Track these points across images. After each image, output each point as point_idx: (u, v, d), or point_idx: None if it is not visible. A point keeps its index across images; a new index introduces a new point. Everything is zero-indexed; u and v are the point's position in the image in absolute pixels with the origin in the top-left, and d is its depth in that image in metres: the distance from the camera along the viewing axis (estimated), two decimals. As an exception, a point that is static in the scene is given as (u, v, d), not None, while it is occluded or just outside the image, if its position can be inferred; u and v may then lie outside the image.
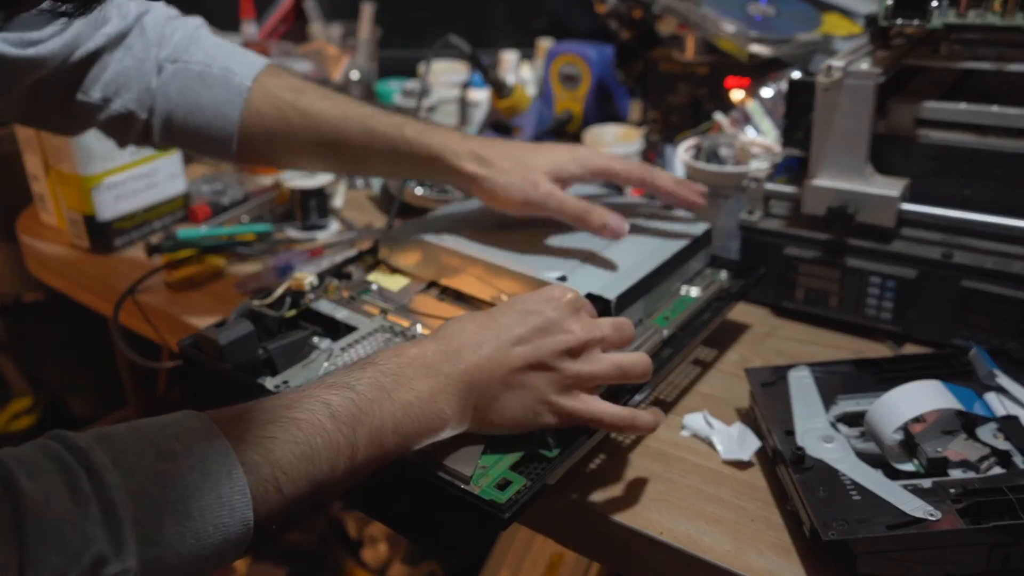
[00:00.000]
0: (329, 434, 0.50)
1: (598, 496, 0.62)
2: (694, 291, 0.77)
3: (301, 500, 0.48)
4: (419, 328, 0.71)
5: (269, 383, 0.64)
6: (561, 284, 0.63)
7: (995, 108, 0.73)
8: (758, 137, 1.01)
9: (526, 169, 0.74)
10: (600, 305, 0.67)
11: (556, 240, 0.75)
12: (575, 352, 0.58)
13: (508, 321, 0.58)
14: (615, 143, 1.13)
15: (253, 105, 0.77)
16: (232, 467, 0.46)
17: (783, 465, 0.60)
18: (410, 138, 0.75)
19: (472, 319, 0.59)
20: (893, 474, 0.58)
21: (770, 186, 0.84)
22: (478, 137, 0.79)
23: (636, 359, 0.61)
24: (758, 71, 1.11)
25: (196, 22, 0.82)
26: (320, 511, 0.54)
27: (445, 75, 1.45)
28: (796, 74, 0.85)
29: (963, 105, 0.75)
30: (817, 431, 0.62)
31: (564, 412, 0.57)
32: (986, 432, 0.60)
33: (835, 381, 0.68)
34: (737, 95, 1.11)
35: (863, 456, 0.59)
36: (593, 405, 0.58)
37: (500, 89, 1.21)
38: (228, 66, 0.78)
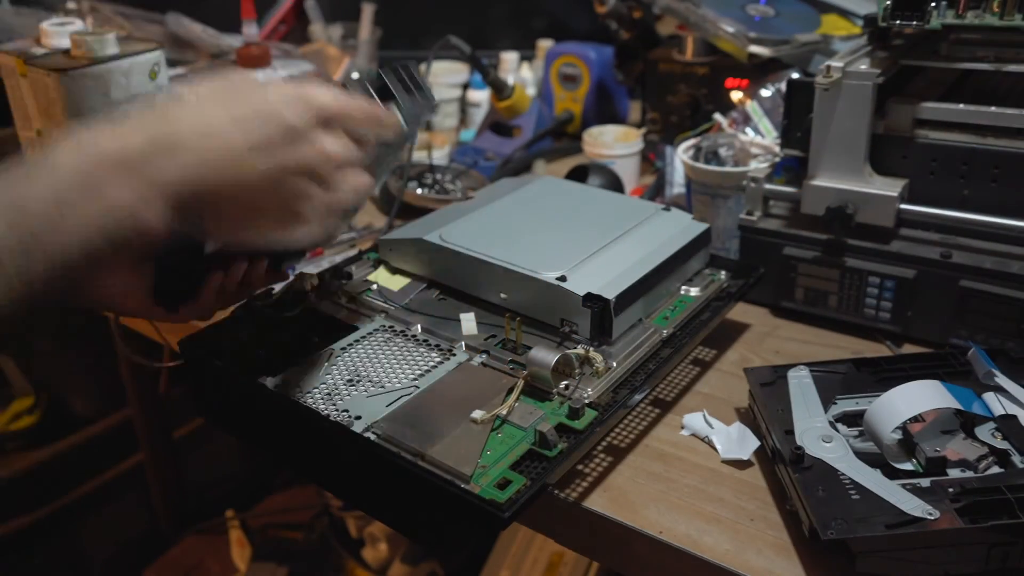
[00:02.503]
0: None
1: (598, 496, 0.62)
2: (694, 291, 0.77)
3: None
4: (419, 328, 0.71)
5: (270, 383, 0.65)
6: (315, 85, 0.52)
7: (994, 108, 0.73)
8: (757, 137, 1.01)
9: None
10: (600, 304, 0.67)
11: (556, 240, 0.75)
12: (319, 174, 0.50)
13: (245, 114, 0.48)
14: (615, 143, 1.13)
15: None
16: None
17: (782, 464, 0.60)
18: None
19: (195, 110, 0.48)
20: (892, 473, 0.58)
21: (769, 186, 0.84)
22: None
23: (368, 183, 0.53)
24: (757, 71, 1.11)
25: None
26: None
27: (445, 76, 1.45)
28: (795, 75, 0.86)
29: (962, 105, 0.75)
30: (816, 431, 0.62)
31: (307, 234, 0.51)
32: (984, 432, 0.60)
33: (834, 381, 0.68)
34: (736, 95, 1.12)
35: (862, 455, 0.59)
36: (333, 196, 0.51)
37: (500, 90, 1.21)
38: None
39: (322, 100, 0.50)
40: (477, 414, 0.60)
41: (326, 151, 0.50)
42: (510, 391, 0.63)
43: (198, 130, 0.47)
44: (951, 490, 0.55)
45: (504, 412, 0.61)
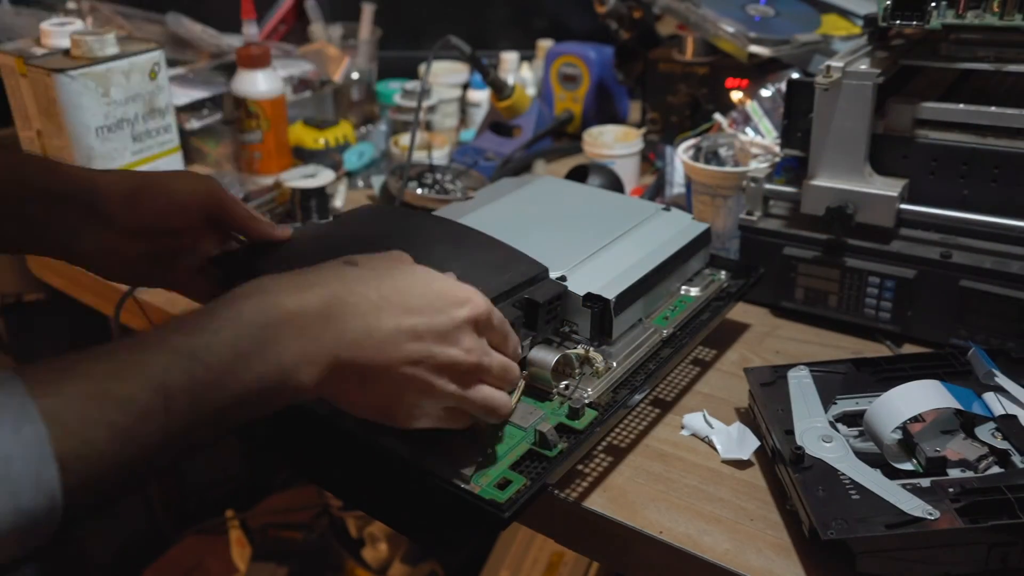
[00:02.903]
0: (157, 421, 0.41)
1: (598, 496, 0.62)
2: (694, 291, 0.77)
3: (112, 487, 0.41)
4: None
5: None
6: (478, 292, 0.55)
7: (993, 108, 0.73)
8: (757, 137, 1.01)
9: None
10: (600, 304, 0.67)
11: (556, 239, 0.75)
12: (459, 372, 0.53)
13: (418, 304, 0.51)
14: (615, 143, 1.13)
15: None
16: (44, 465, 0.38)
17: (782, 464, 0.60)
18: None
19: (372, 283, 0.51)
20: (892, 473, 0.58)
21: (769, 186, 0.84)
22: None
23: (503, 404, 0.56)
24: (757, 71, 1.11)
25: None
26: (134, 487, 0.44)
27: (445, 76, 1.45)
28: (795, 74, 0.86)
29: (962, 105, 0.75)
30: (816, 431, 0.62)
31: (426, 421, 0.54)
32: (984, 432, 0.60)
33: (834, 381, 0.68)
34: (736, 95, 1.12)
35: (862, 455, 0.59)
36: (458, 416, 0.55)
37: (500, 90, 1.21)
38: None
39: (482, 309, 0.54)
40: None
41: (473, 352, 0.53)
42: (510, 391, 0.63)
43: (371, 304, 0.49)
44: (951, 490, 0.55)
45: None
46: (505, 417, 0.58)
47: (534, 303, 0.64)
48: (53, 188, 0.62)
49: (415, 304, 0.51)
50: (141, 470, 0.42)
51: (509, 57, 1.45)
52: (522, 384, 0.64)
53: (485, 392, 0.55)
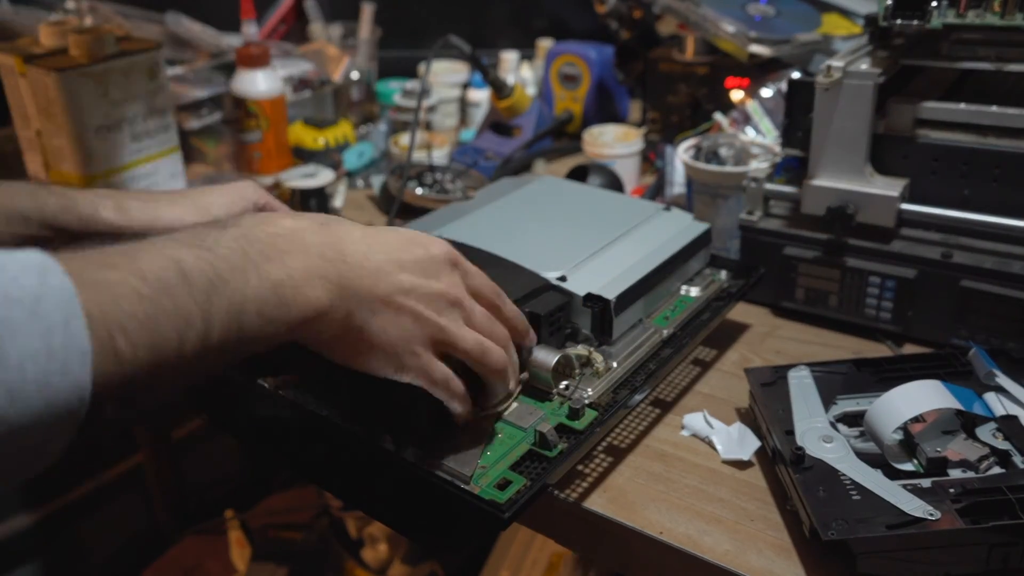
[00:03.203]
0: (179, 298, 0.41)
1: (598, 496, 0.62)
2: (694, 291, 0.77)
3: (139, 374, 0.40)
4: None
5: (269, 384, 0.65)
6: (436, 238, 0.57)
7: (994, 108, 0.73)
8: (758, 137, 1.01)
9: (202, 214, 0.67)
10: (600, 305, 0.67)
11: (556, 239, 0.75)
12: (448, 303, 0.54)
13: (395, 242, 0.54)
14: (615, 143, 1.13)
15: None
16: (72, 315, 0.37)
17: (783, 465, 0.60)
18: (56, 190, 0.65)
19: (354, 225, 0.54)
20: (893, 474, 0.58)
21: (770, 186, 0.84)
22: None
23: (496, 349, 0.56)
24: (758, 71, 1.11)
25: None
26: (158, 397, 0.43)
27: (445, 75, 1.45)
28: (796, 74, 0.86)
29: (962, 105, 0.75)
30: (817, 431, 0.62)
31: (424, 369, 0.54)
32: (985, 432, 0.60)
33: (835, 381, 0.68)
34: (737, 95, 1.11)
35: (863, 456, 0.59)
36: (447, 371, 0.55)
37: (500, 89, 1.21)
38: None
39: (449, 247, 0.56)
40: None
41: (455, 287, 0.55)
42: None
43: (359, 238, 0.52)
44: (952, 491, 0.55)
45: (504, 412, 0.61)
46: (498, 366, 0.57)
47: (536, 316, 0.64)
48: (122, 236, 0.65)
49: (392, 241, 0.53)
50: (169, 359, 0.41)
51: (509, 57, 1.45)
52: (522, 384, 0.64)
53: (474, 334, 0.55)
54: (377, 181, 1.16)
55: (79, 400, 0.37)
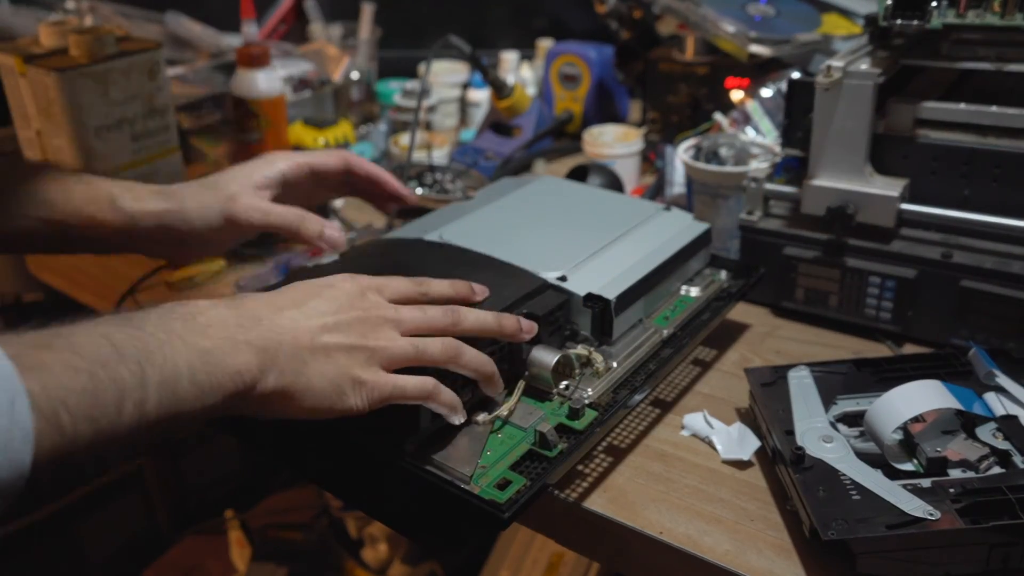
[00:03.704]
0: (114, 370, 0.43)
1: (598, 496, 0.62)
2: (694, 291, 0.77)
3: (80, 445, 0.42)
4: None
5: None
6: (341, 276, 0.58)
7: (994, 108, 0.73)
8: (758, 137, 1.01)
9: (217, 187, 0.70)
10: (600, 305, 0.67)
11: (556, 239, 0.75)
12: (372, 326, 0.55)
13: (301, 295, 0.55)
14: (615, 143, 1.13)
15: None
16: (16, 393, 0.38)
17: (783, 465, 0.60)
18: (84, 178, 0.68)
19: (260, 295, 0.55)
20: (893, 474, 0.58)
21: (770, 186, 0.84)
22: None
23: (433, 342, 0.56)
24: (758, 71, 1.11)
25: None
26: (99, 463, 0.47)
27: (445, 75, 1.45)
28: (796, 74, 0.86)
29: (962, 105, 0.75)
30: (817, 431, 0.62)
31: (375, 391, 0.54)
32: (985, 432, 0.60)
33: (835, 381, 0.68)
34: (737, 95, 1.11)
35: (863, 456, 0.59)
36: (398, 379, 0.55)
37: (500, 89, 1.21)
38: None
39: (357, 279, 0.58)
40: (481, 416, 0.60)
41: (378, 307, 0.56)
42: (510, 392, 0.63)
43: (265, 305, 0.53)
44: (952, 490, 0.55)
45: (505, 413, 0.61)
46: (444, 356, 0.56)
47: (535, 316, 0.64)
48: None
49: (299, 295, 0.55)
50: (108, 429, 0.42)
51: (509, 57, 1.44)
52: (521, 384, 0.64)
53: (407, 340, 0.56)
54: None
55: (19, 477, 0.39)
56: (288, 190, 0.76)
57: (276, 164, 0.74)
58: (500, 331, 0.60)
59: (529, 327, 0.61)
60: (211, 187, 0.72)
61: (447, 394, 0.56)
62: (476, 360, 0.58)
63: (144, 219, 0.69)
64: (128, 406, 0.43)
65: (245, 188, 0.71)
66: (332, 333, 0.53)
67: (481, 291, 0.63)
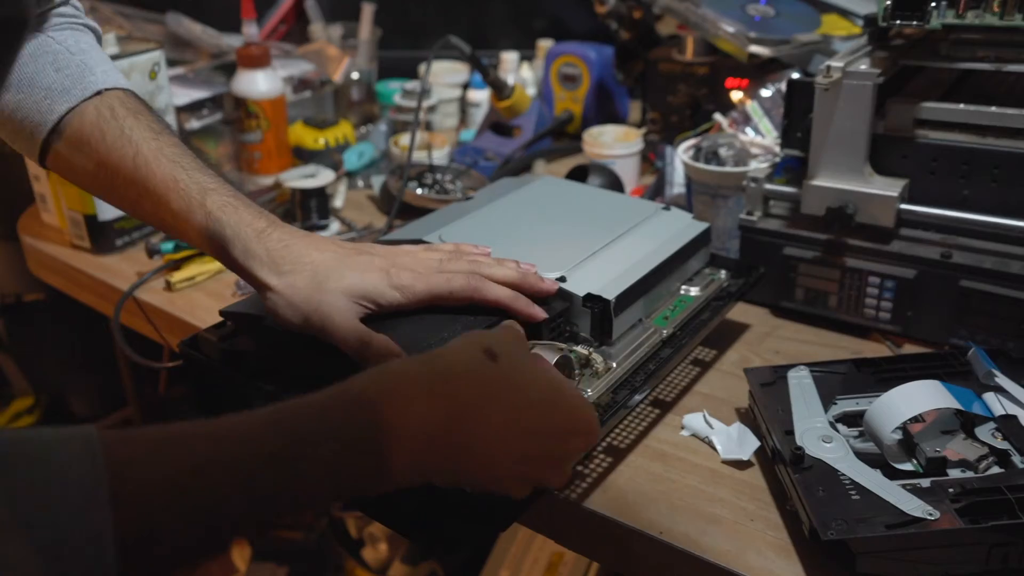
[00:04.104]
0: (232, 519, 0.41)
1: (598, 496, 0.62)
2: (694, 291, 0.77)
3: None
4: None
5: (268, 385, 0.64)
6: (596, 419, 0.55)
7: (994, 108, 0.73)
8: (757, 137, 1.01)
9: (322, 291, 0.61)
10: (600, 305, 0.67)
11: (556, 240, 0.75)
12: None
13: (535, 426, 0.51)
14: (615, 143, 1.13)
15: (87, 110, 0.66)
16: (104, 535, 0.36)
17: (782, 465, 0.60)
18: (209, 208, 0.63)
19: (502, 397, 0.50)
20: (892, 474, 0.58)
21: (769, 186, 0.84)
22: (285, 229, 0.65)
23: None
24: (757, 71, 1.11)
25: (91, 24, 0.72)
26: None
27: (445, 76, 1.45)
28: (795, 75, 0.86)
29: (962, 105, 0.75)
30: (816, 431, 0.62)
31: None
32: (984, 432, 0.60)
33: (834, 381, 0.68)
34: (736, 95, 1.12)
35: (862, 456, 0.59)
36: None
37: (500, 90, 1.21)
38: (89, 64, 0.68)
39: (595, 439, 0.55)
40: None
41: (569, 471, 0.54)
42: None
43: (495, 430, 0.49)
44: (951, 490, 0.55)
45: None
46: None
47: (537, 324, 0.64)
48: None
49: (537, 427, 0.51)
50: (202, 549, 0.41)
51: (509, 57, 1.45)
52: None
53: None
54: (377, 181, 1.16)
55: None
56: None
57: (395, 289, 0.63)
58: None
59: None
60: (316, 285, 0.62)
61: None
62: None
63: (243, 274, 0.65)
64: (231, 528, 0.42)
65: (350, 301, 0.62)
66: (519, 465, 0.52)
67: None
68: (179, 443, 0.41)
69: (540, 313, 0.64)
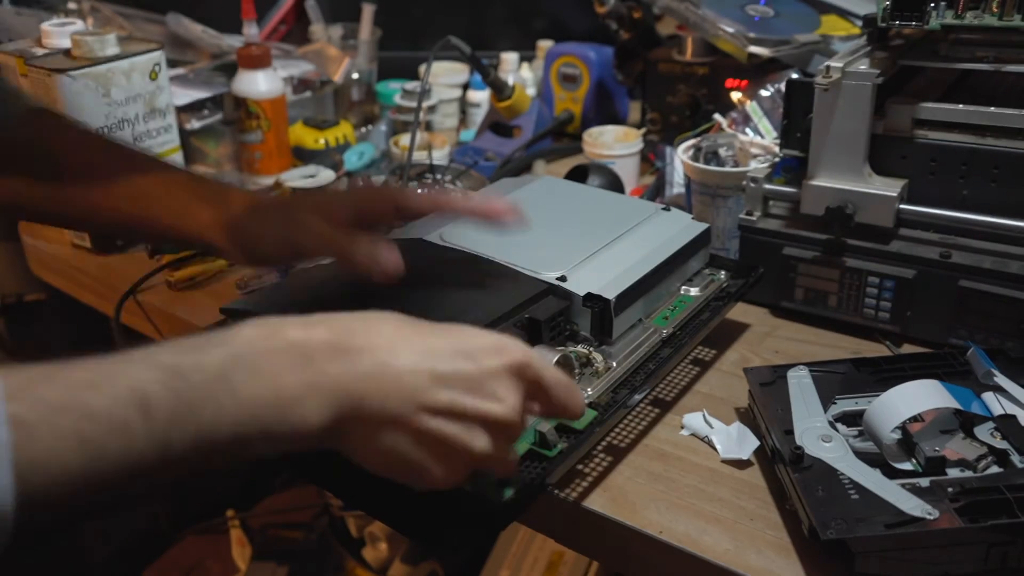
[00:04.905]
0: (131, 436, 0.38)
1: (598, 496, 0.62)
2: (693, 291, 0.77)
3: (76, 505, 0.38)
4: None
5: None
6: (518, 342, 0.49)
7: (993, 109, 0.73)
8: (757, 137, 1.01)
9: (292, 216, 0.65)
10: (600, 305, 0.67)
11: (556, 239, 0.75)
12: (492, 428, 0.47)
13: (439, 346, 0.46)
14: (615, 144, 1.13)
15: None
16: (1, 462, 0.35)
17: (782, 464, 0.60)
18: (184, 182, 0.68)
19: (395, 320, 0.47)
20: (891, 473, 0.58)
21: (769, 186, 0.84)
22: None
23: (510, 463, 0.51)
24: (757, 72, 1.11)
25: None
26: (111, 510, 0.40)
27: (445, 76, 1.45)
28: (795, 75, 0.86)
29: (961, 106, 0.75)
30: (816, 430, 0.62)
31: (437, 483, 0.47)
32: (984, 431, 0.60)
33: (834, 381, 0.68)
34: (736, 95, 1.12)
35: (861, 455, 0.59)
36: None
37: (500, 90, 1.21)
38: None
39: (519, 357, 0.48)
40: None
41: (512, 409, 0.47)
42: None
43: (388, 344, 0.45)
44: (950, 490, 0.55)
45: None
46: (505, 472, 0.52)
47: (536, 322, 0.64)
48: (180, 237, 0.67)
49: (439, 345, 0.46)
50: (112, 490, 0.38)
51: (509, 57, 1.45)
52: None
53: (512, 459, 0.51)
54: (377, 181, 1.16)
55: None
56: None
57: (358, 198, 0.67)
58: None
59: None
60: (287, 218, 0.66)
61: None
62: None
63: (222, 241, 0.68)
64: (143, 465, 0.39)
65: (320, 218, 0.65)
66: (436, 418, 0.46)
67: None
68: (70, 366, 0.39)
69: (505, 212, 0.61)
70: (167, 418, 0.39)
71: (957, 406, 0.60)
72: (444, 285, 0.68)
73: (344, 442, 0.45)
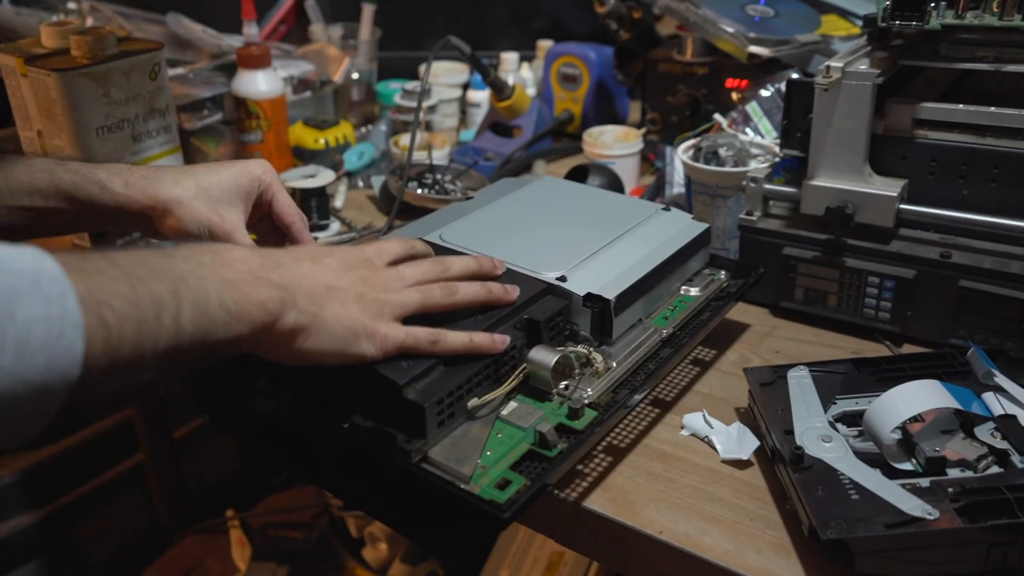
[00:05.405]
0: (150, 283, 0.46)
1: (598, 496, 0.62)
2: (693, 291, 0.77)
3: (125, 350, 0.44)
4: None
5: (269, 384, 0.65)
6: (387, 238, 0.66)
7: (993, 109, 0.73)
8: (757, 137, 1.01)
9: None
10: (600, 305, 0.67)
11: (556, 239, 0.75)
12: (383, 283, 0.60)
13: (321, 251, 0.60)
14: (615, 144, 1.13)
15: None
16: (65, 290, 0.42)
17: (782, 464, 0.60)
18: (70, 167, 0.69)
19: (285, 248, 0.63)
20: (891, 473, 0.58)
21: (769, 186, 0.84)
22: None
23: (434, 287, 0.62)
24: (757, 72, 1.11)
25: None
26: (141, 381, 0.50)
27: (445, 76, 1.45)
28: (795, 75, 0.86)
29: (961, 106, 0.75)
30: (816, 430, 0.62)
31: (382, 335, 0.57)
32: (984, 431, 0.60)
33: (834, 381, 0.68)
34: (736, 95, 1.12)
35: (861, 455, 0.59)
36: (410, 328, 0.59)
37: (500, 90, 1.21)
38: None
39: (395, 242, 0.64)
40: (473, 401, 0.60)
41: (396, 272, 0.61)
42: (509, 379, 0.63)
43: (295, 257, 0.58)
44: (950, 490, 0.55)
45: (500, 396, 0.61)
46: (445, 302, 0.62)
47: (536, 322, 0.64)
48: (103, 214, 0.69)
49: (312, 252, 0.59)
50: (150, 337, 0.46)
51: (509, 57, 1.45)
52: (521, 369, 0.64)
53: (414, 291, 0.60)
54: (377, 181, 1.17)
55: (74, 363, 0.42)
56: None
57: (254, 177, 0.73)
58: (488, 296, 0.64)
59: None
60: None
61: (453, 336, 0.60)
62: (471, 291, 0.63)
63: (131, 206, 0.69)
64: (166, 318, 0.46)
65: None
66: (345, 283, 0.58)
67: (500, 264, 0.68)
68: (123, 256, 0.48)
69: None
70: (170, 276, 0.48)
71: (957, 406, 0.60)
72: None
73: (298, 330, 0.55)
